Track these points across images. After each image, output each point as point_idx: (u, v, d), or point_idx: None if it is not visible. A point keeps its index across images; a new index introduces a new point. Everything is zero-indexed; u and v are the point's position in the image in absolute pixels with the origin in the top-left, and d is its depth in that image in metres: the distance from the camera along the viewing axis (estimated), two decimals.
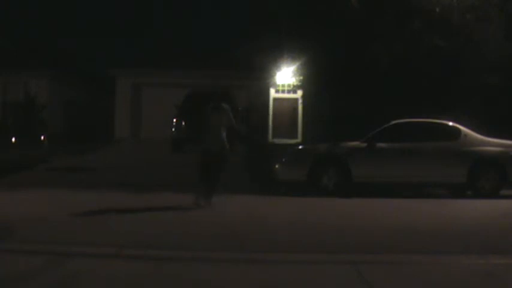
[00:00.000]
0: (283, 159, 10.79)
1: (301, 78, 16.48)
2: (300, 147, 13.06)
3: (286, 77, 19.66)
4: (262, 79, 20.68)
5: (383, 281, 4.72)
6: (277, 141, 19.93)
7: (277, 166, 10.65)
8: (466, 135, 10.54)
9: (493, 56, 13.28)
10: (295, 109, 22.01)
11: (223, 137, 8.41)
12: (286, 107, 22.62)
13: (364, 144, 10.40)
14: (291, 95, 22.19)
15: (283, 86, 22.39)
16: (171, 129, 16.83)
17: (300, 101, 19.79)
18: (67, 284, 4.52)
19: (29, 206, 8.11)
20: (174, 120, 16.80)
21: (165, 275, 4.82)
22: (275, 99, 22.83)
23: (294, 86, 19.85)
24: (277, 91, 22.78)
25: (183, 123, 16.52)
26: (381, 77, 13.36)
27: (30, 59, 22.93)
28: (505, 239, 6.35)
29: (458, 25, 13.34)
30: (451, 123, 10.80)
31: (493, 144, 10.48)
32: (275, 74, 19.41)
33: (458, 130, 10.61)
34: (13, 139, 13.27)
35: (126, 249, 5.56)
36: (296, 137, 21.38)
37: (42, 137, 15.02)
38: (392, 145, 10.42)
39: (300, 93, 19.32)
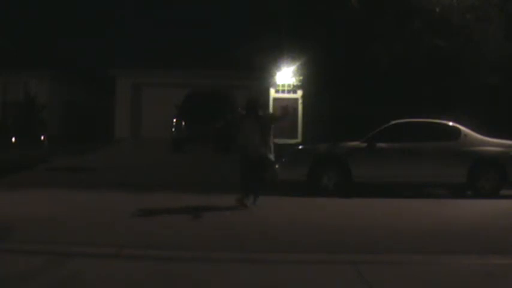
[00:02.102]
0: (283, 159, 10.79)
1: (301, 78, 16.49)
2: (300, 147, 13.06)
3: (286, 77, 19.66)
4: (262, 79, 20.69)
5: (383, 281, 4.72)
6: (277, 141, 19.91)
7: (277, 166, 10.64)
8: (466, 135, 10.54)
9: (493, 56, 13.29)
10: (295, 109, 22.00)
11: (259, 141, 8.56)
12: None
13: (364, 144, 10.40)
14: (291, 95, 22.18)
15: (283, 86, 22.39)
16: (171, 129, 16.82)
17: (300, 101, 19.79)
18: (67, 284, 4.52)
19: (29, 206, 8.11)
20: (174, 120, 16.79)
21: (165, 275, 4.81)
22: (275, 99, 22.82)
23: (294, 86, 19.85)
24: (277, 91, 22.77)
25: (183, 123, 16.51)
26: (381, 77, 13.36)
27: (30, 59, 22.90)
28: (505, 239, 6.35)
29: (458, 25, 13.35)
30: (451, 123, 10.80)
31: (493, 144, 10.48)
32: (275, 74, 19.42)
33: (458, 130, 10.60)
34: (13, 139, 13.26)
35: (126, 249, 5.56)
36: (296, 137, 21.37)
37: (42, 137, 15.01)
38: (392, 145, 10.42)
39: (300, 93, 19.32)
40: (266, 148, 8.57)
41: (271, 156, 8.67)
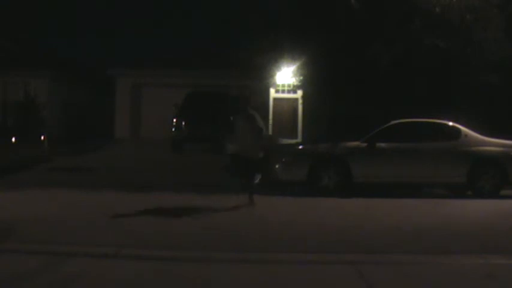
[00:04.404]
0: (283, 159, 10.78)
1: (301, 78, 16.47)
2: (300, 147, 13.05)
3: (286, 77, 19.64)
4: (262, 79, 20.67)
5: (383, 281, 4.72)
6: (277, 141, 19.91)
7: (277, 166, 10.64)
8: (466, 135, 10.54)
9: (493, 56, 13.28)
10: (295, 109, 22.00)
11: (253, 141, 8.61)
12: (286, 107, 22.61)
13: (364, 144, 10.40)
14: (291, 95, 22.18)
15: (283, 86, 22.38)
16: (171, 129, 16.82)
17: (300, 101, 19.78)
18: (67, 284, 4.51)
19: (29, 206, 8.11)
20: (174, 120, 16.79)
21: (165, 275, 4.81)
22: (275, 99, 22.82)
23: (294, 86, 19.85)
24: (277, 91, 22.77)
25: (183, 123, 16.52)
26: (381, 77, 13.36)
27: (31, 59, 22.91)
28: (505, 239, 6.35)
29: (458, 25, 13.34)
30: (451, 123, 10.80)
31: (493, 144, 10.49)
32: (275, 74, 19.39)
33: (458, 130, 10.61)
34: (13, 139, 13.26)
35: (126, 249, 5.56)
36: (296, 137, 21.36)
37: (42, 137, 15.02)
38: (392, 145, 10.42)
39: (300, 93, 19.31)
40: (255, 149, 8.59)
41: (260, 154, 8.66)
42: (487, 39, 13.33)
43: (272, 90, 22.64)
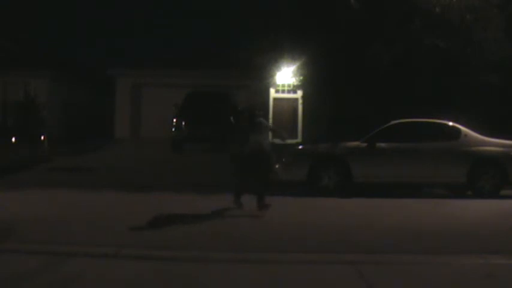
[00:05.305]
0: (283, 159, 10.78)
1: (301, 78, 16.48)
2: (300, 147, 13.05)
3: (286, 77, 19.66)
4: (262, 79, 20.68)
5: (383, 281, 4.72)
6: (277, 141, 19.93)
7: (277, 166, 10.64)
8: (466, 135, 10.54)
9: (493, 56, 13.29)
10: (295, 109, 21.99)
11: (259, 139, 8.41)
12: (286, 107, 22.61)
13: (364, 144, 10.40)
14: (291, 95, 22.18)
15: (283, 86, 22.38)
16: (171, 129, 16.82)
17: (300, 101, 19.79)
18: (67, 284, 4.51)
19: (29, 206, 8.12)
20: (174, 120, 16.79)
21: (165, 275, 4.81)
22: (275, 99, 22.82)
23: (294, 86, 19.85)
24: (277, 91, 22.77)
25: (183, 123, 16.51)
26: (381, 77, 13.36)
27: (31, 59, 22.91)
28: (505, 239, 6.35)
29: (458, 25, 13.34)
30: (451, 123, 10.80)
31: (493, 144, 10.48)
32: (275, 74, 19.42)
33: (458, 130, 10.61)
34: (13, 139, 13.26)
35: (126, 249, 5.56)
36: (296, 137, 21.36)
37: (42, 137, 15.02)
38: (392, 145, 10.42)
39: (300, 93, 19.31)
40: (265, 144, 8.33)
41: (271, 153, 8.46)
42: (487, 39, 13.33)
43: (272, 90, 22.64)
